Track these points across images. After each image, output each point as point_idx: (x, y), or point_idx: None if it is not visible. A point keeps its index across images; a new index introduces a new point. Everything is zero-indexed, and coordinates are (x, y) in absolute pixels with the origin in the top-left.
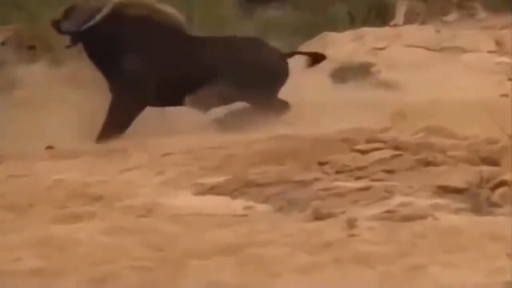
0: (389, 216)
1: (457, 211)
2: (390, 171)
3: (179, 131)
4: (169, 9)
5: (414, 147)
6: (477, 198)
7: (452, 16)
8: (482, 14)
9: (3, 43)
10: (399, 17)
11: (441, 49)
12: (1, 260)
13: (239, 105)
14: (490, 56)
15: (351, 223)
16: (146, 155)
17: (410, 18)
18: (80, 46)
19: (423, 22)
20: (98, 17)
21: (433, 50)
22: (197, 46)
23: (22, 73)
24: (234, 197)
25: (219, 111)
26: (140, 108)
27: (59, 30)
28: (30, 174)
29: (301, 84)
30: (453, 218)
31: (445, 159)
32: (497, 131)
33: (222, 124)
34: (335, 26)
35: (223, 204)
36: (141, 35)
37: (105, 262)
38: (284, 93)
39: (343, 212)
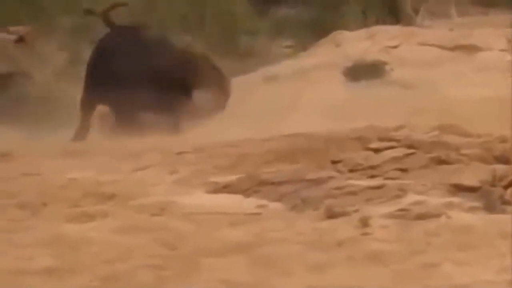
0: (402, 214)
1: (470, 209)
2: (403, 170)
3: None
4: None
5: (428, 145)
6: (490, 197)
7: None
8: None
9: (20, 41)
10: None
11: (454, 48)
12: (14, 259)
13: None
14: (503, 54)
15: (364, 222)
16: (159, 154)
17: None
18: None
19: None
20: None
21: (446, 48)
22: None
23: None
24: (247, 196)
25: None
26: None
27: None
28: (44, 172)
29: (315, 82)
30: (466, 216)
31: (458, 158)
32: (510, 129)
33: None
34: (347, 24)
35: (236, 203)
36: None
37: (118, 260)
38: (298, 91)
39: (356, 211)
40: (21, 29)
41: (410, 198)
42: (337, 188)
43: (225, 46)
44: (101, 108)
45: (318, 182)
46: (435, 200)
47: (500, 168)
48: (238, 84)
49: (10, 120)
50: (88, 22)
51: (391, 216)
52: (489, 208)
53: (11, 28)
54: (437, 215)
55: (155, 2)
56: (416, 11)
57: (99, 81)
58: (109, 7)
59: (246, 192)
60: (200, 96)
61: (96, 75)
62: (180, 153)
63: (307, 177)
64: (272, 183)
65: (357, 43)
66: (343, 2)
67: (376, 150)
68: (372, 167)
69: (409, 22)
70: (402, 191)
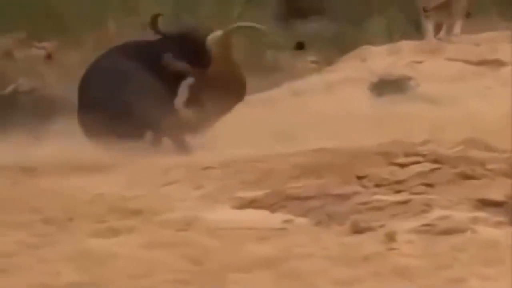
0: (428, 229)
1: (496, 224)
2: (429, 185)
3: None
4: None
5: (453, 160)
6: None
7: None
8: (456, 30)
9: (48, 57)
10: (429, 34)
11: (479, 63)
12: (40, 274)
13: None
14: None
15: (390, 237)
16: (185, 169)
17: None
18: None
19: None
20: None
21: (471, 63)
22: None
23: None
24: (273, 211)
25: None
26: None
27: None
28: (70, 188)
29: (340, 97)
30: (491, 231)
31: (484, 172)
32: None
33: None
34: (372, 39)
35: (262, 218)
36: None
37: (144, 275)
38: (323, 106)
39: (382, 226)
40: (47, 45)
41: (436, 213)
42: (363, 203)
43: (250, 61)
44: None
45: (343, 197)
46: (460, 215)
47: None
48: (263, 99)
49: (36, 135)
50: (112, 37)
51: (417, 231)
52: None
53: (37, 44)
54: (463, 230)
55: (182, 17)
56: (439, 26)
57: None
58: (154, 16)
59: (272, 207)
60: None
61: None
62: (205, 168)
63: (333, 192)
64: (298, 198)
65: (382, 58)
66: (367, 17)
67: (402, 165)
68: (397, 182)
69: (430, 38)
70: (428, 206)
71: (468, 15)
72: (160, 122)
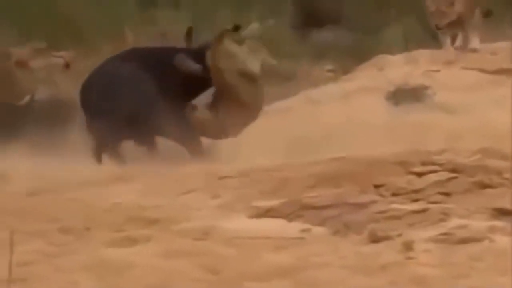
0: (445, 238)
1: None
2: (446, 194)
3: None
4: None
5: (470, 169)
6: None
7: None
8: (475, 44)
9: (66, 66)
10: (447, 46)
11: (496, 72)
12: (58, 283)
13: None
14: None
15: (407, 246)
16: (202, 178)
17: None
18: None
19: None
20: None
21: (488, 72)
22: None
23: None
24: (290, 220)
25: None
26: None
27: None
28: (87, 197)
29: (357, 106)
30: (509, 240)
31: (501, 181)
32: None
33: None
34: (389, 48)
35: (279, 227)
36: None
37: (161, 285)
38: (340, 115)
39: (399, 235)
40: (64, 54)
41: (453, 222)
42: (380, 212)
43: (266, 70)
44: None
45: (361, 206)
46: (478, 224)
47: None
48: (279, 108)
49: (53, 144)
50: (129, 47)
51: (434, 240)
52: None
53: (55, 53)
54: (480, 239)
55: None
56: (455, 36)
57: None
58: (189, 29)
59: (289, 217)
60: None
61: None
62: (222, 177)
63: (350, 201)
64: (315, 208)
65: (399, 67)
66: (384, 25)
67: (419, 174)
68: (415, 191)
69: (448, 48)
70: (445, 215)
71: (489, 13)
72: (170, 127)
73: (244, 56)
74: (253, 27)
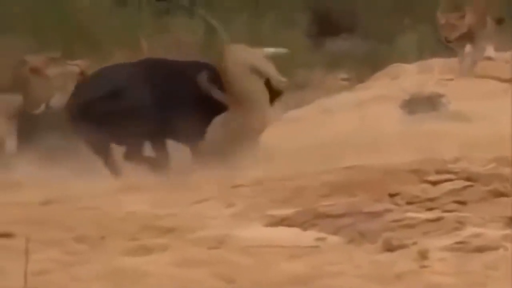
0: (460, 247)
1: None
2: (461, 202)
3: None
4: None
5: (485, 178)
6: None
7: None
8: (489, 51)
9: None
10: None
11: (511, 80)
12: None
13: None
14: None
15: (422, 254)
16: (215, 187)
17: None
18: None
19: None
20: None
21: (503, 80)
22: None
23: None
24: (304, 229)
25: None
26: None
27: None
28: (102, 206)
29: (371, 115)
30: None
31: None
32: None
33: None
34: (403, 57)
35: (293, 236)
36: None
37: None
38: (354, 123)
39: (414, 243)
40: (79, 63)
41: (468, 230)
42: (395, 221)
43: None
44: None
45: (375, 215)
46: (493, 232)
47: None
48: (294, 116)
49: (67, 154)
50: (144, 55)
51: (449, 248)
52: None
53: (70, 62)
54: (495, 248)
55: (214, 41)
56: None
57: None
58: None
59: (303, 225)
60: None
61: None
62: (236, 186)
63: (365, 210)
64: (330, 216)
65: (414, 76)
66: (398, 34)
67: (434, 183)
68: (430, 200)
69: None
70: (460, 224)
71: (501, 21)
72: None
73: (258, 56)
74: (266, 51)
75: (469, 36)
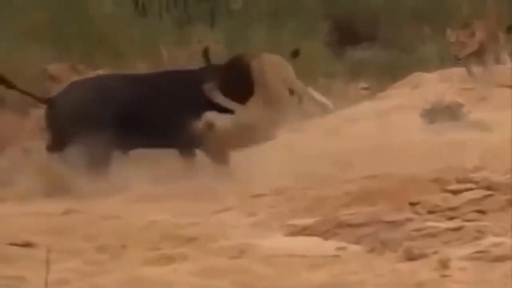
0: (481, 256)
1: None
2: (481, 211)
3: None
4: None
5: (505, 187)
6: None
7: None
8: (506, 60)
9: None
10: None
11: None
12: None
13: None
14: None
15: (443, 264)
16: (236, 197)
17: None
18: None
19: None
20: None
21: None
22: None
23: None
24: (325, 238)
25: None
26: None
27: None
28: (123, 215)
29: (392, 124)
30: None
31: None
32: None
33: None
34: (424, 66)
35: (314, 245)
36: None
37: None
38: (375, 132)
39: (435, 253)
40: (100, 72)
41: (489, 240)
42: (416, 230)
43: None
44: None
45: (396, 224)
46: None
47: None
48: (314, 125)
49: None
50: (164, 65)
51: (470, 258)
52: None
53: (91, 72)
54: None
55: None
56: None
57: None
58: (205, 49)
59: (324, 235)
60: None
61: None
62: (257, 195)
63: (386, 219)
64: (351, 225)
65: (434, 84)
66: (419, 43)
67: (455, 192)
68: (450, 209)
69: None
70: (481, 233)
71: (511, 30)
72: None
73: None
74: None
75: (480, 52)
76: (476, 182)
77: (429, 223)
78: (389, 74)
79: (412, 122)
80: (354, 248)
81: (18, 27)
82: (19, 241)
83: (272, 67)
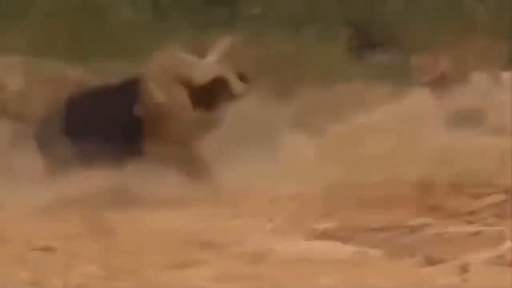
0: (501, 261)
1: None
2: (501, 216)
3: None
4: None
5: None
6: None
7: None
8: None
9: None
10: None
11: None
12: None
13: None
14: None
15: (463, 268)
16: (254, 202)
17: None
18: None
19: None
20: None
21: None
22: None
23: None
24: (344, 242)
25: None
26: None
27: None
28: (141, 220)
29: (412, 128)
30: None
31: None
32: None
33: None
34: None
35: (334, 250)
36: None
37: None
38: (394, 137)
39: (454, 257)
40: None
41: (508, 244)
42: (436, 235)
43: (320, 93)
44: None
45: (416, 228)
46: None
47: None
48: (333, 131)
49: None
50: None
51: (489, 262)
52: None
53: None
54: None
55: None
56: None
57: None
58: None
59: (343, 239)
60: None
61: None
62: (275, 200)
63: (405, 223)
64: (370, 230)
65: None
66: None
67: (475, 197)
68: (470, 213)
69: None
70: (501, 238)
71: None
72: None
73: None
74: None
75: (442, 80)
76: (496, 187)
77: (448, 228)
78: (409, 78)
79: (432, 126)
80: (373, 252)
81: (35, 34)
82: (38, 246)
83: (162, 74)
